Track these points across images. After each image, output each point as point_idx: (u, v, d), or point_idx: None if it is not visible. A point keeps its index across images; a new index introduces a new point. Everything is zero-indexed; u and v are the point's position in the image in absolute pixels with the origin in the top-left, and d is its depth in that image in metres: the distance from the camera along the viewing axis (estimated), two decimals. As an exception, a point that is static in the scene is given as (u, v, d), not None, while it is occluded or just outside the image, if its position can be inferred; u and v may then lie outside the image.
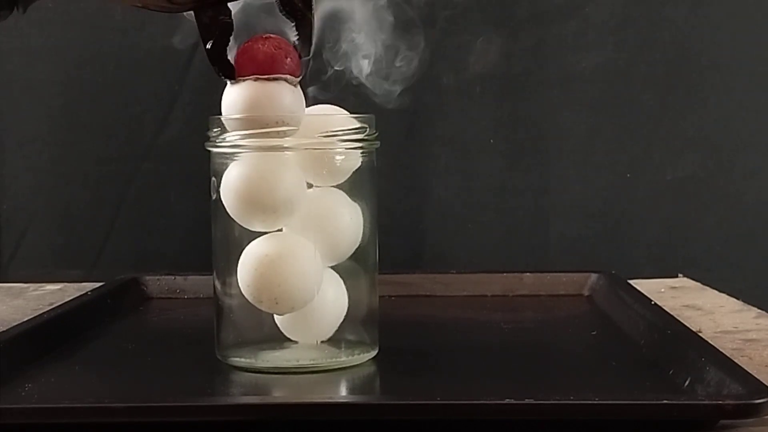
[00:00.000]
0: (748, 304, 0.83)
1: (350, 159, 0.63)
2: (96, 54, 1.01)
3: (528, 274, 0.86)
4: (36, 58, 1.01)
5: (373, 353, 0.64)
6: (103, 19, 1.00)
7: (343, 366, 0.62)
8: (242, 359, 0.62)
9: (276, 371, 0.62)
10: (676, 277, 0.96)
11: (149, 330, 0.78)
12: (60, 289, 0.93)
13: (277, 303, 0.61)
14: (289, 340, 0.63)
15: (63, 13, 1.00)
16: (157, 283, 0.86)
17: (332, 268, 0.63)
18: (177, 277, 0.86)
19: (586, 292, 0.84)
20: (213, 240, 0.64)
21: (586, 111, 1.01)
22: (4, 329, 0.67)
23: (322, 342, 0.63)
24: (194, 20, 0.61)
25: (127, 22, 1.00)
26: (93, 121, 1.01)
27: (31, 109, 1.02)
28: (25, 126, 1.02)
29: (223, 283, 0.63)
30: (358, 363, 0.63)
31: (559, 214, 1.02)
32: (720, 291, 0.88)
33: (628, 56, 1.00)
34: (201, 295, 0.83)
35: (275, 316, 0.63)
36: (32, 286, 0.95)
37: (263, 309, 0.62)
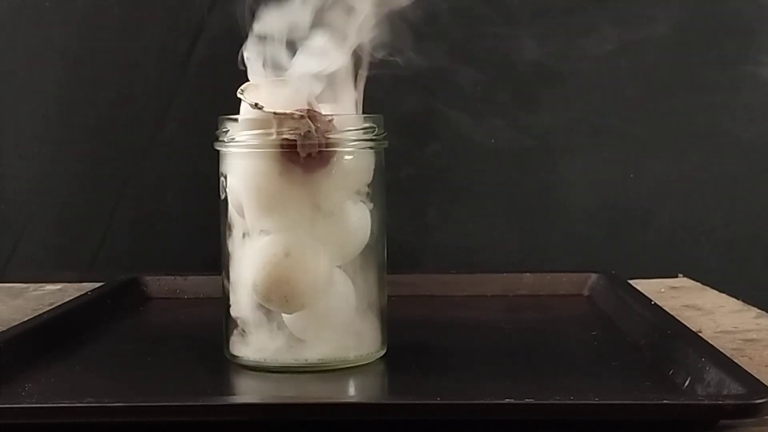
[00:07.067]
0: (748, 304, 0.83)
1: (359, 159, 0.63)
2: (93, 53, 1.01)
3: (528, 274, 0.86)
4: (32, 57, 1.01)
5: (382, 352, 0.64)
6: (100, 19, 1.00)
7: (352, 365, 0.62)
8: (251, 358, 0.62)
9: (284, 370, 0.62)
10: (676, 277, 0.96)
11: (149, 330, 0.78)
12: (60, 289, 0.93)
13: (286, 301, 0.61)
14: (297, 339, 0.63)
15: (60, 12, 1.00)
16: (157, 283, 0.86)
17: (340, 266, 0.63)
18: (177, 277, 0.86)
19: (586, 292, 0.84)
20: (222, 239, 0.64)
21: (590, 110, 1.01)
22: (4, 329, 0.67)
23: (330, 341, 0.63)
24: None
25: (124, 21, 1.00)
26: (90, 121, 1.01)
27: (28, 108, 1.01)
28: (22, 126, 1.02)
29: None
30: (366, 362, 0.63)
31: (561, 213, 1.01)
32: (721, 292, 0.88)
33: (632, 54, 1.00)
34: (201, 295, 0.83)
35: (283, 315, 0.63)
36: (32, 286, 0.95)
37: (272, 308, 0.62)
